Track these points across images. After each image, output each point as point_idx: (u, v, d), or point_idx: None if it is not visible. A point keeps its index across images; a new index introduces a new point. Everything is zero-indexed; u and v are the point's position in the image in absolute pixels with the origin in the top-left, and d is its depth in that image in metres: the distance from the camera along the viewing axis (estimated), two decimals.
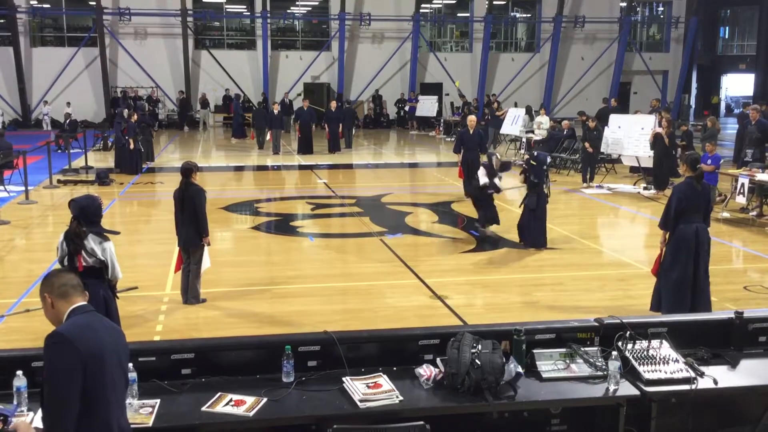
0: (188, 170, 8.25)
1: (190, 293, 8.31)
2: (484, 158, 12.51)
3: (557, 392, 4.29)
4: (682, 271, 7.34)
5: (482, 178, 11.44)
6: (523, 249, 10.93)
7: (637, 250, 11.53)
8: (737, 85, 43.39)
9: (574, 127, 20.61)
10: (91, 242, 5.71)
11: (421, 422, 3.89)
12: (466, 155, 14.91)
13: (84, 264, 5.71)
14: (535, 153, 11.37)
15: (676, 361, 4.48)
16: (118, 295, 6.19)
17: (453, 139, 21.37)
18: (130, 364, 4.04)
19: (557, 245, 11.29)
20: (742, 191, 12.78)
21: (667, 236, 7.50)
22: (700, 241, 7.37)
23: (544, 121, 21.75)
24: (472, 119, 15.52)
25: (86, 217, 5.76)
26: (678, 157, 18.07)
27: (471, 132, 15.04)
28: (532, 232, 10.97)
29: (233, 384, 4.26)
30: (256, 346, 4.56)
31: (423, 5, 36.26)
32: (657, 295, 7.62)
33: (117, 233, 6.20)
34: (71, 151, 20.37)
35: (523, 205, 11.10)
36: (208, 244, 8.29)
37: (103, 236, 5.80)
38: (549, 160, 11.68)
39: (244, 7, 36.34)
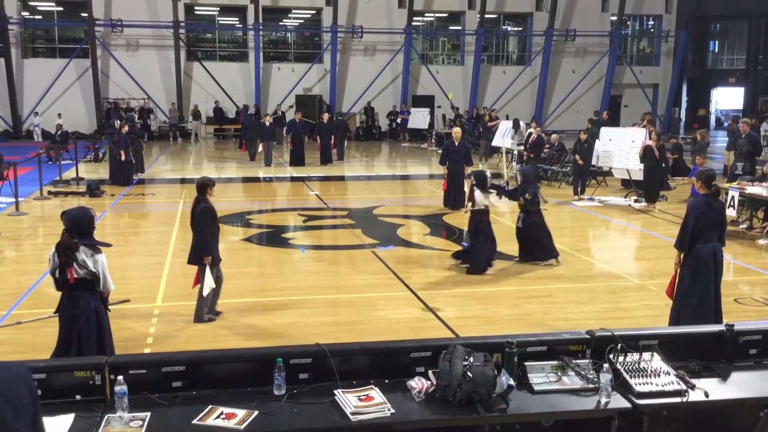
0: (201, 186, 7.97)
1: (195, 313, 8.09)
2: (468, 175, 11.20)
3: (549, 405, 4.28)
4: (702, 294, 7.15)
5: (485, 198, 10.37)
6: (528, 263, 10.82)
7: (628, 262, 11.57)
8: (727, 98, 43.72)
9: (564, 140, 20.72)
10: (83, 254, 5.68)
11: None
12: (451, 167, 15.04)
13: (75, 276, 5.69)
14: (520, 167, 11.00)
15: (668, 373, 4.48)
16: (110, 308, 6.16)
17: None
18: (120, 377, 4.03)
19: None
20: (732, 204, 12.84)
21: (681, 257, 7.28)
22: (717, 261, 7.19)
23: (535, 134, 21.82)
24: (456, 131, 15.68)
25: (78, 229, 5.73)
26: (667, 171, 18.23)
27: (456, 144, 15.16)
28: (545, 244, 10.76)
29: (224, 397, 4.23)
30: (248, 359, 4.54)
31: (415, 18, 36.44)
32: (675, 319, 7.34)
33: (109, 245, 6.17)
34: (62, 162, 20.30)
35: (522, 226, 10.72)
36: (208, 264, 7.96)
37: (95, 248, 5.77)
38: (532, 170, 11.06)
39: (237, 19, 36.45)
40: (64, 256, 5.65)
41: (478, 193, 10.28)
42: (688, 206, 7.42)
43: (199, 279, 8.06)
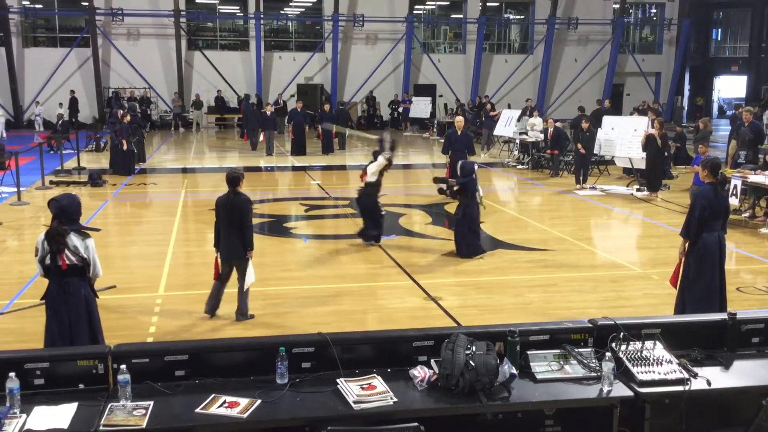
0: (236, 179, 7.76)
1: (238, 309, 7.89)
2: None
3: (551, 393, 4.29)
4: (708, 282, 7.14)
5: (377, 162, 11.07)
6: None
7: (630, 251, 11.57)
8: (730, 86, 43.58)
9: (566, 129, 20.66)
10: (74, 240, 5.69)
11: (416, 423, 3.89)
12: (454, 156, 15.06)
13: (68, 263, 5.69)
14: (460, 163, 11.03)
15: (670, 362, 4.49)
16: (98, 294, 6.15)
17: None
18: (123, 366, 4.04)
19: (550, 246, 11.31)
20: (734, 193, 12.81)
21: (686, 245, 7.25)
22: (722, 249, 7.20)
23: (537, 122, 21.77)
24: (459, 120, 15.73)
25: (67, 216, 5.74)
26: (670, 159, 18.19)
27: (459, 133, 15.20)
28: (470, 242, 10.65)
29: (227, 385, 4.25)
30: (250, 348, 4.55)
31: (416, 6, 36.29)
32: (680, 308, 7.31)
33: (98, 230, 6.17)
34: (63, 152, 20.29)
35: (456, 218, 10.78)
36: (251, 258, 7.84)
37: (84, 233, 5.78)
38: (476, 167, 11.01)
39: (238, 7, 36.31)
40: (56, 243, 5.65)
41: (370, 167, 11.06)
42: (695, 194, 7.37)
43: (218, 271, 7.84)
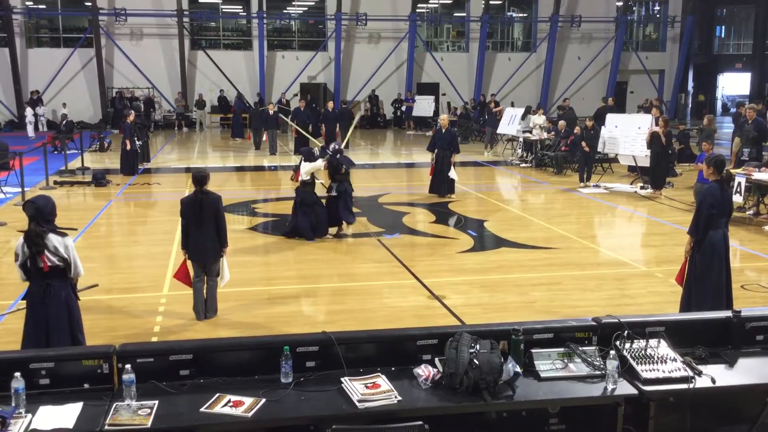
0: (204, 178, 7.81)
1: (210, 307, 7.94)
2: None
3: (555, 392, 4.29)
4: (716, 279, 7.15)
5: (314, 164, 11.42)
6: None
7: (634, 249, 11.56)
8: (733, 84, 43.49)
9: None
10: (53, 240, 5.69)
11: (420, 422, 3.89)
12: (438, 154, 15.50)
13: (49, 264, 5.69)
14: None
15: (674, 360, 4.49)
16: (79, 296, 6.13)
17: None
18: (128, 366, 4.05)
19: (554, 245, 11.30)
20: (738, 190, 12.78)
21: (692, 243, 7.23)
22: (727, 246, 7.21)
23: (540, 120, 21.77)
24: (444, 119, 16.35)
25: (43, 217, 5.74)
26: (673, 156, 18.15)
27: (443, 131, 15.61)
28: (343, 212, 11.65)
29: (232, 385, 4.26)
30: (255, 347, 4.56)
31: (419, 5, 36.26)
32: (686, 306, 7.30)
33: (74, 230, 6.16)
34: (67, 152, 20.33)
35: (330, 195, 11.75)
36: (224, 254, 7.90)
37: (61, 233, 5.79)
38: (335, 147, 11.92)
39: (240, 7, 36.33)
40: (35, 246, 5.65)
41: (303, 166, 11.40)
42: (701, 192, 7.34)
43: (185, 272, 7.87)
